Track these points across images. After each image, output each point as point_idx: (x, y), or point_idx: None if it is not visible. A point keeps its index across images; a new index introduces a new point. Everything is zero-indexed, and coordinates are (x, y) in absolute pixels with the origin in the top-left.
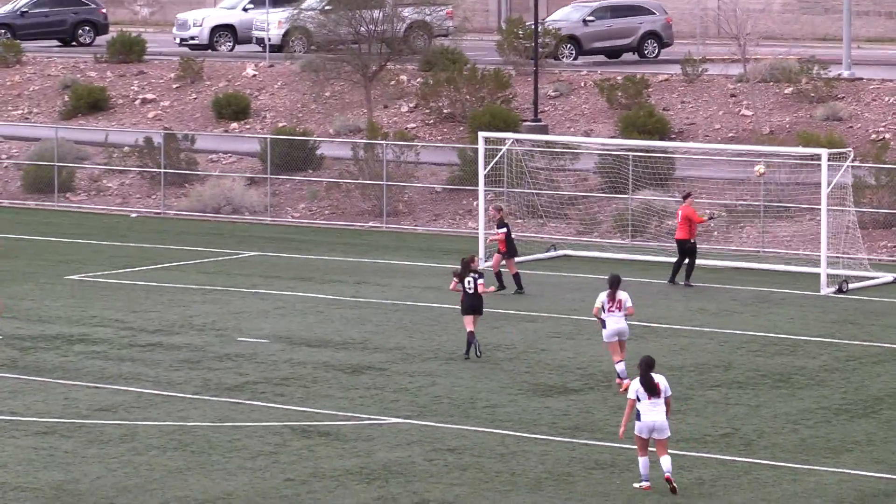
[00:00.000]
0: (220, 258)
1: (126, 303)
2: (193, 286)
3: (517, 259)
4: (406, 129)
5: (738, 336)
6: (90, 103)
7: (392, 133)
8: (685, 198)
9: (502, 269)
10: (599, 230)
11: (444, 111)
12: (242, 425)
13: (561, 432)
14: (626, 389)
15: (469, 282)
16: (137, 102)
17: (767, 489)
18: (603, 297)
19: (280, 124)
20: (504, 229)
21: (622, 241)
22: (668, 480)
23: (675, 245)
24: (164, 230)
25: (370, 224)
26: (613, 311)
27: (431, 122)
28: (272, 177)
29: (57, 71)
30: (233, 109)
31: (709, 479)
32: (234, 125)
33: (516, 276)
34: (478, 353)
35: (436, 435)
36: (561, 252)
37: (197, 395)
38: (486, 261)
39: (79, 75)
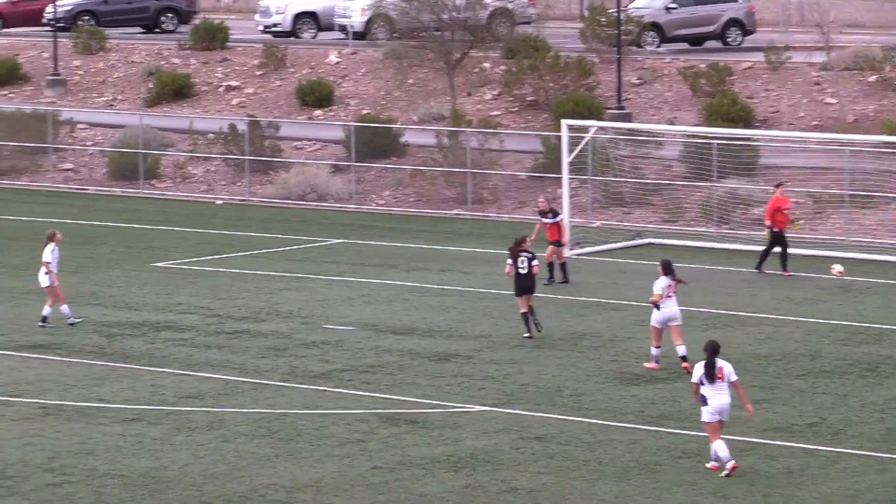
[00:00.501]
0: (306, 245)
1: (212, 290)
2: (279, 273)
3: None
4: (489, 116)
5: (824, 325)
6: (174, 90)
7: (476, 120)
8: (777, 187)
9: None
10: (684, 218)
11: (528, 99)
12: (329, 413)
13: (648, 421)
14: (689, 372)
15: (522, 261)
16: (221, 89)
17: (854, 479)
18: (664, 282)
19: (364, 111)
20: (561, 217)
21: (707, 230)
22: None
23: (766, 233)
24: (249, 217)
25: (454, 212)
26: (670, 296)
27: (515, 109)
28: (356, 164)
29: (140, 58)
30: (316, 97)
31: (796, 469)
32: (318, 112)
33: (563, 266)
34: (539, 328)
35: (523, 423)
36: (645, 240)
37: (284, 382)
38: (570, 249)
39: (162, 62)
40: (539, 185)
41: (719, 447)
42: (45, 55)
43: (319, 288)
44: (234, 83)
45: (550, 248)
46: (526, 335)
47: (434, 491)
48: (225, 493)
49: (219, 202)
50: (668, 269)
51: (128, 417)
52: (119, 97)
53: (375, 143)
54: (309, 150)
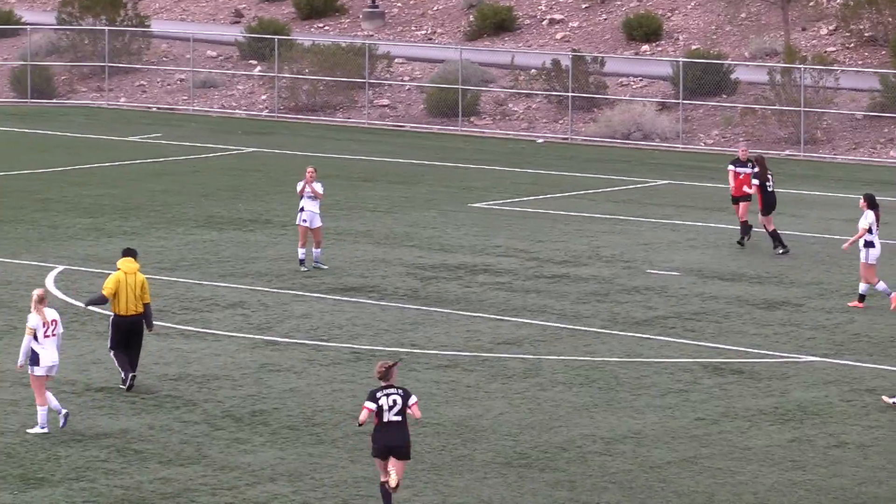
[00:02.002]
0: (630, 186)
1: (531, 232)
2: (601, 216)
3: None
4: (825, 52)
5: None
6: (496, 24)
7: (810, 57)
8: None
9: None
10: None
11: (865, 34)
12: (651, 361)
13: None
14: None
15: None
16: (545, 23)
17: None
18: (870, 216)
19: (693, 47)
20: (748, 168)
21: None
22: None
23: None
24: (571, 157)
25: (786, 153)
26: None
27: (851, 45)
28: (684, 102)
29: None
30: (644, 31)
31: None
32: (645, 47)
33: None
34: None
35: (853, 374)
36: None
37: (604, 329)
38: None
39: None
40: (876, 125)
41: None
42: None
43: (643, 231)
44: (557, 16)
45: (742, 205)
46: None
47: (759, 444)
48: (541, 444)
49: (540, 141)
50: (871, 204)
51: (442, 363)
52: (438, 30)
53: (705, 79)
54: (635, 86)
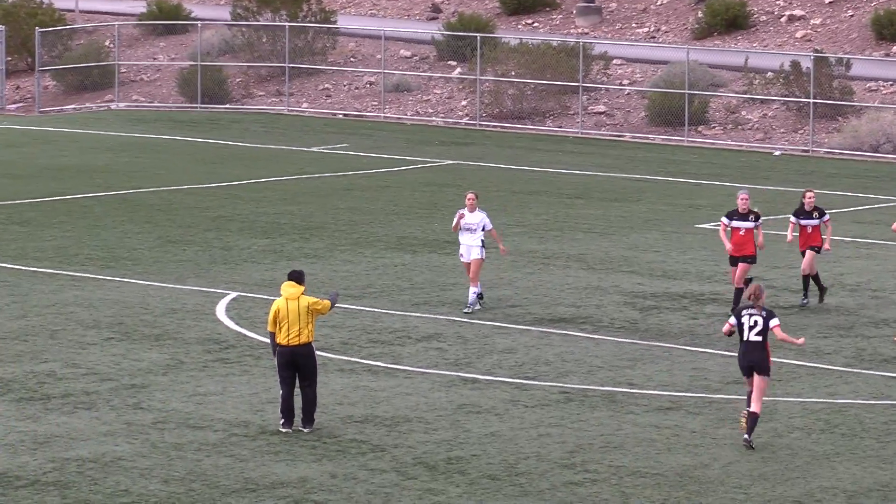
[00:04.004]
0: (878, 206)
1: (765, 256)
2: (845, 238)
3: None
4: None
5: None
6: (727, 21)
7: None
8: None
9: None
10: None
11: None
12: None
13: None
14: None
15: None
16: (783, 20)
17: None
18: None
19: None
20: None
21: None
22: None
23: None
24: (812, 171)
25: None
26: None
27: None
28: None
29: None
30: (895, 29)
31: None
32: None
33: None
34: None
35: None
36: None
37: (848, 367)
38: None
39: None
40: None
41: None
42: None
43: (893, 256)
44: (797, 12)
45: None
46: None
47: None
48: (776, 497)
49: (776, 153)
50: None
51: (663, 405)
52: (662, 28)
53: None
54: (885, 91)
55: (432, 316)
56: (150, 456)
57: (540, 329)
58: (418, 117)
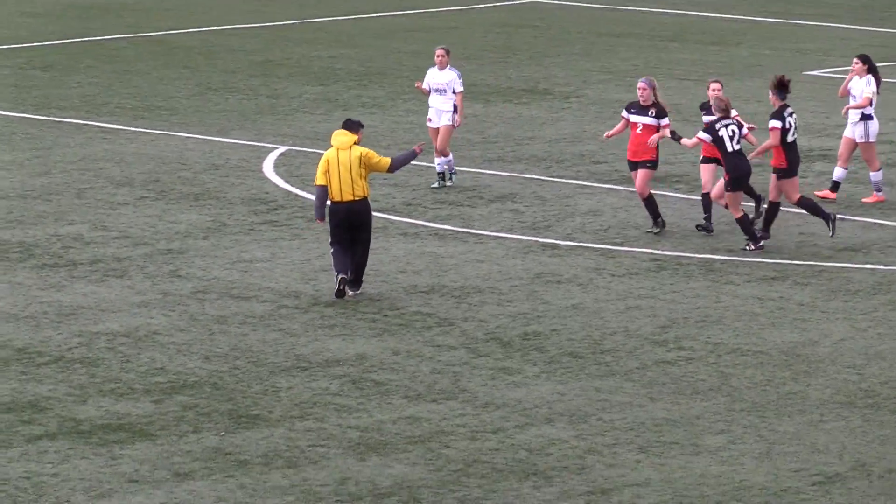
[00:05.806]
0: None
1: None
2: None
3: None
4: None
5: None
6: None
7: None
8: None
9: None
10: None
11: None
12: None
13: None
14: None
15: None
16: None
17: None
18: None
19: None
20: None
21: None
22: None
23: None
24: None
25: None
26: None
27: None
28: None
29: None
30: None
31: None
32: None
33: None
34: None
35: None
36: None
37: None
38: None
39: None
40: None
41: None
42: None
43: None
44: None
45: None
46: None
47: None
48: (893, 378)
49: None
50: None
51: (767, 275)
52: None
53: None
54: None
55: (507, 173)
56: (189, 330)
57: (628, 188)
58: None
